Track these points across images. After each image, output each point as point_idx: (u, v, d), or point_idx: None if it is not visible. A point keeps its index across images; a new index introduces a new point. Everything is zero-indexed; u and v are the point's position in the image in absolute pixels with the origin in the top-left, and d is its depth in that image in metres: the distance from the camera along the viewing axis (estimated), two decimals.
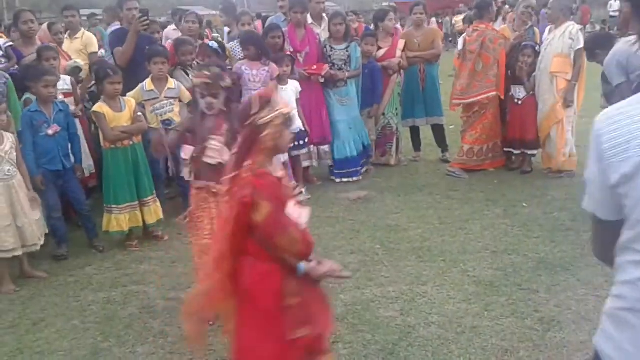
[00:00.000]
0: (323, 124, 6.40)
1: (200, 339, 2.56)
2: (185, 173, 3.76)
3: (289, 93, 5.94)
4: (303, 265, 2.37)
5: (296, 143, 6.00)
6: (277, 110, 2.36)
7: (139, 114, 4.98)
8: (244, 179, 2.31)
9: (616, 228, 1.46)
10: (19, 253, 4.33)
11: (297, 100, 6.02)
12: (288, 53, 6.06)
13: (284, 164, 5.74)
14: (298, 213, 2.40)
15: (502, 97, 6.48)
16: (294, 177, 6.19)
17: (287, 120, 2.42)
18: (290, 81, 5.96)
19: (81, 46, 6.55)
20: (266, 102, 2.38)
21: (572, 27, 6.14)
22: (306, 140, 6.13)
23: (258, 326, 2.36)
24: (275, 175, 2.40)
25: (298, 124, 6.00)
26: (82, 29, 6.92)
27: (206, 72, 3.58)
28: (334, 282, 4.10)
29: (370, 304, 3.80)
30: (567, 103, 6.12)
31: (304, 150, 6.23)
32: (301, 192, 5.67)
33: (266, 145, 2.35)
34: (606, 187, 1.43)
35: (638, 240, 1.40)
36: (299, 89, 6.03)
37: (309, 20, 6.69)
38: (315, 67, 6.30)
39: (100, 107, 4.82)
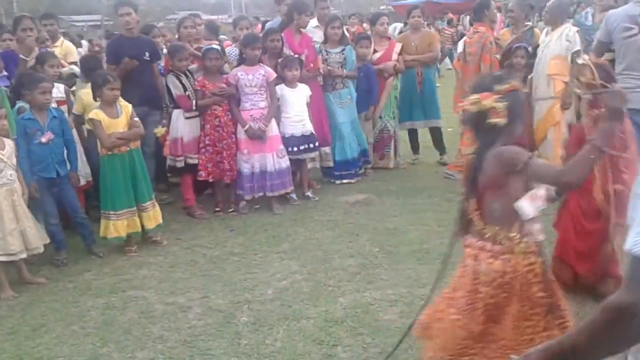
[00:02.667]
0: (323, 126, 6.42)
1: None
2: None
3: (300, 97, 5.97)
4: None
5: (307, 146, 6.03)
6: None
7: (136, 119, 4.98)
8: None
9: None
10: (23, 256, 4.38)
11: (307, 104, 6.05)
12: (296, 56, 6.09)
13: (288, 166, 5.80)
14: None
15: None
16: (300, 179, 6.24)
17: None
18: (300, 85, 5.98)
19: (60, 55, 6.53)
20: None
21: (569, 29, 6.15)
22: (316, 144, 6.15)
23: None
24: None
25: (309, 127, 6.03)
26: (62, 38, 6.92)
27: None
28: (333, 286, 4.12)
29: (370, 307, 3.79)
30: (565, 105, 6.12)
31: (314, 154, 6.26)
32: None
33: None
34: None
35: None
36: (309, 92, 6.05)
37: (315, 23, 6.73)
38: (312, 65, 6.35)
39: (96, 113, 4.79)
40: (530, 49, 6.41)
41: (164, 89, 5.92)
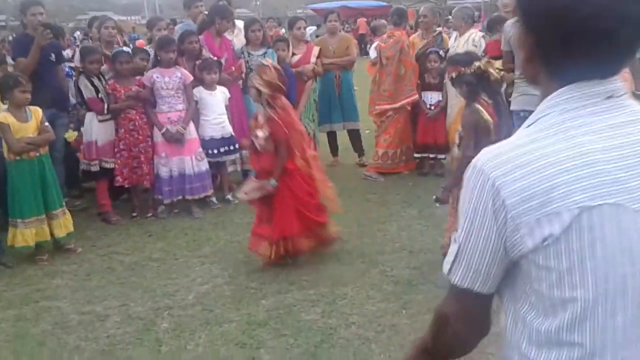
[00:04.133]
0: (244, 129, 6.39)
1: None
2: None
3: (218, 99, 5.92)
4: None
5: (227, 148, 5.99)
6: None
7: (46, 124, 4.79)
8: None
9: (490, 301, 1.18)
10: None
11: (226, 106, 6.00)
12: (215, 59, 6.03)
13: (207, 169, 5.75)
14: None
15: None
16: (221, 183, 6.19)
17: None
18: (218, 87, 5.94)
19: None
20: None
21: (475, 34, 6.46)
22: (236, 146, 6.11)
23: None
24: None
25: (229, 130, 5.99)
26: None
27: None
28: (255, 288, 4.12)
29: (292, 308, 3.82)
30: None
31: (234, 156, 6.21)
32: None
33: None
34: (502, 255, 1.08)
35: (574, 326, 1.04)
36: (228, 95, 6.02)
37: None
38: (233, 68, 6.32)
39: (5, 117, 4.56)
40: (442, 52, 6.65)
41: (69, 91, 5.73)
